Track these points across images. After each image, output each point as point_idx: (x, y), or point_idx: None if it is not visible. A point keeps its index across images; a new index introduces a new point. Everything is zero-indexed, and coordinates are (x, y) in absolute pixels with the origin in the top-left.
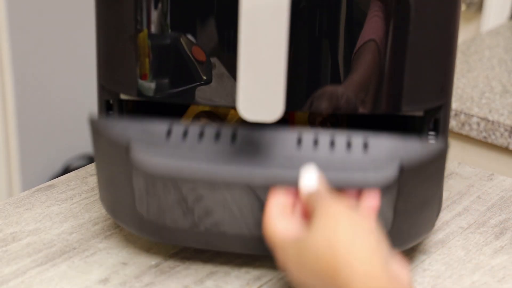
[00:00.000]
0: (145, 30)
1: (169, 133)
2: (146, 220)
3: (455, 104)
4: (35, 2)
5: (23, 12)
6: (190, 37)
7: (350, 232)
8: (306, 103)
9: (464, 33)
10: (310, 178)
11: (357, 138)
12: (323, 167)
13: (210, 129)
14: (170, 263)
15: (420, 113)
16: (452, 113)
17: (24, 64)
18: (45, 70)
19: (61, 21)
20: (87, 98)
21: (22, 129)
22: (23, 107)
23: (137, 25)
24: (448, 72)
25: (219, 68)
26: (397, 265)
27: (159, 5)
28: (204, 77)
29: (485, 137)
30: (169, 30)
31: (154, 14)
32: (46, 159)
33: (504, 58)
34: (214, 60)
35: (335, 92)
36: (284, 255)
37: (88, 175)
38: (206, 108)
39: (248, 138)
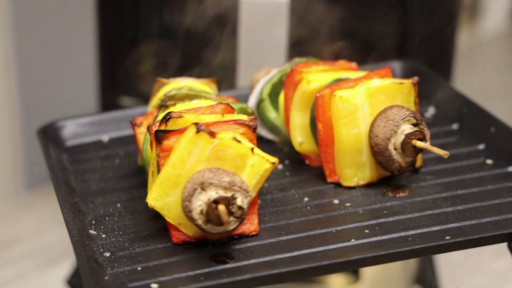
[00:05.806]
0: (145, 34)
1: None
2: None
3: None
4: (38, 7)
5: (26, 17)
6: (189, 39)
7: None
8: None
9: (464, 39)
10: None
11: None
12: None
13: None
14: None
15: None
16: None
17: (29, 66)
18: (49, 70)
19: (63, 25)
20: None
21: (25, 132)
22: (26, 110)
23: (136, 29)
24: (447, 76)
25: (218, 69)
26: None
27: (159, 9)
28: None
29: None
30: (168, 34)
31: (154, 18)
32: None
33: (503, 63)
34: (213, 62)
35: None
36: None
37: None
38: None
39: None
